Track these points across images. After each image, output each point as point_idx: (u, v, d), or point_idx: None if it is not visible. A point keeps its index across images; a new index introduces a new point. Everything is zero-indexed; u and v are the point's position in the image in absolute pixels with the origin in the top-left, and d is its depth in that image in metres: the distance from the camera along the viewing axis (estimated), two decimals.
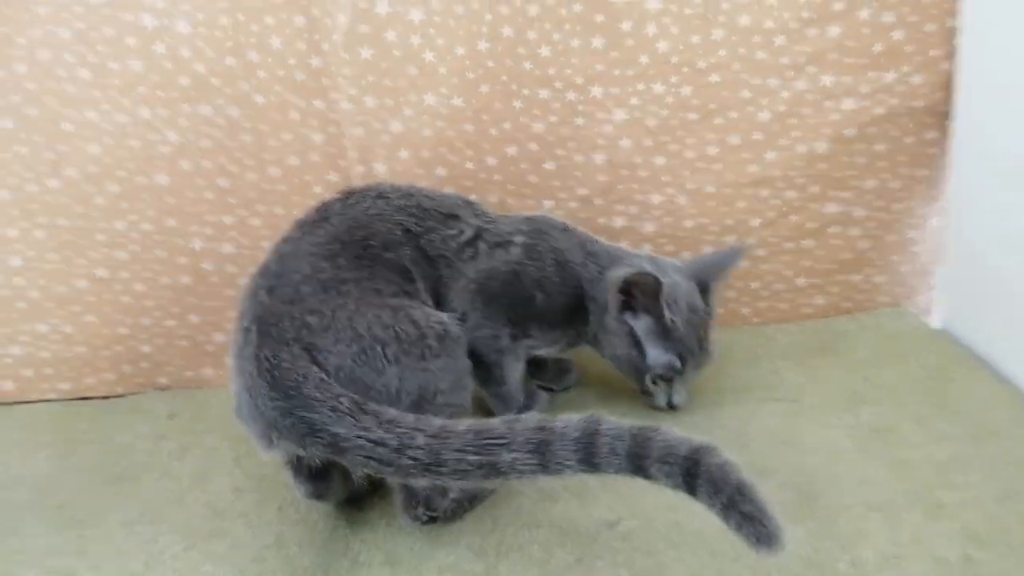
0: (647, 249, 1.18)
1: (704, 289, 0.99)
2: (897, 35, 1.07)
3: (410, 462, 0.69)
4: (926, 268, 1.23)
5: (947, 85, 1.09)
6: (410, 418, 0.72)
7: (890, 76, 1.09)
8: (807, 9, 1.06)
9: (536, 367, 1.11)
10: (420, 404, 0.80)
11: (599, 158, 1.14)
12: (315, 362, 0.77)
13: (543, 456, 0.68)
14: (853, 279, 1.22)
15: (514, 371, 0.99)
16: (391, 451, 0.70)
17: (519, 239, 0.96)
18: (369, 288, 0.83)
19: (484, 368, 0.96)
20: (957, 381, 1.02)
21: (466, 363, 0.87)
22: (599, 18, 1.07)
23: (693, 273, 1.00)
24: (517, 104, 1.10)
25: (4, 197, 1.12)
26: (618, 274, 0.95)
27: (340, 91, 1.09)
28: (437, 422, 0.72)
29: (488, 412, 1.02)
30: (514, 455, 0.68)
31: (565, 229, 1.01)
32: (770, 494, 0.83)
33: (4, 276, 1.16)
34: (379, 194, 0.93)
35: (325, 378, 0.75)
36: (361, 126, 1.11)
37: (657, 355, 0.96)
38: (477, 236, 0.95)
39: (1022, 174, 0.95)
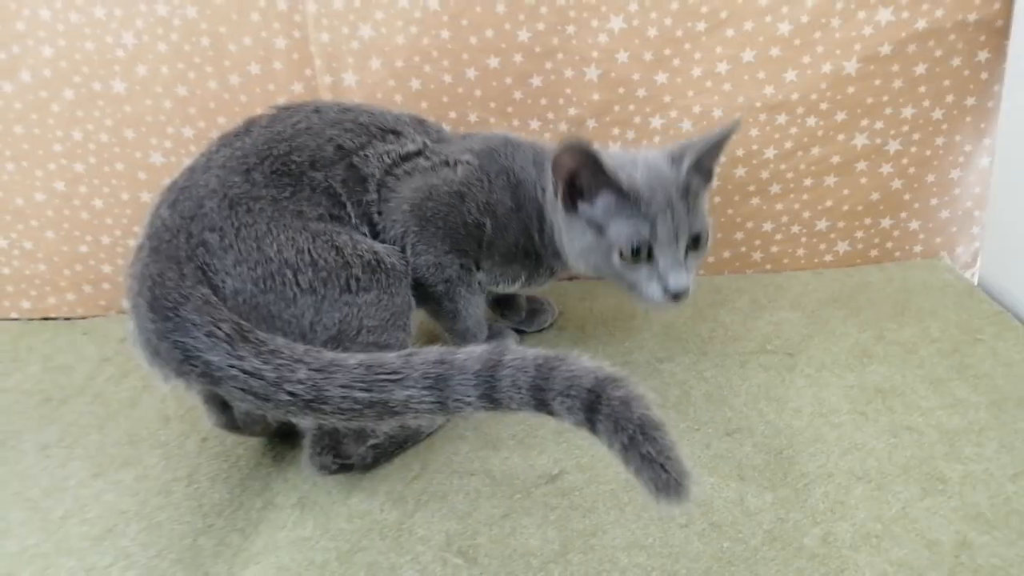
0: None
1: (677, 160, 0.79)
2: None
3: (288, 397, 0.60)
4: (970, 214, 1.08)
5: None
6: (299, 349, 0.63)
7: None
8: None
9: (507, 306, 1.00)
10: (339, 341, 0.71)
11: (592, 73, 1.01)
12: (209, 284, 0.68)
13: (441, 392, 0.58)
14: (883, 224, 1.08)
15: (469, 304, 0.87)
16: (267, 384, 0.60)
17: (467, 158, 0.84)
18: (288, 209, 0.73)
19: (434, 301, 0.86)
20: (986, 342, 0.87)
21: (404, 300, 0.77)
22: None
23: (666, 151, 0.82)
24: (500, 8, 0.98)
25: None
26: (554, 151, 0.77)
27: None
28: (328, 356, 0.62)
29: None
30: (408, 392, 0.58)
31: (525, 146, 0.87)
32: (740, 456, 0.72)
33: None
34: (315, 108, 0.81)
35: (210, 300, 0.66)
36: (328, 31, 1.00)
37: (620, 227, 0.77)
38: (418, 152, 0.83)
39: None
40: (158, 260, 0.68)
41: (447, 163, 0.82)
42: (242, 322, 0.64)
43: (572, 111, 1.04)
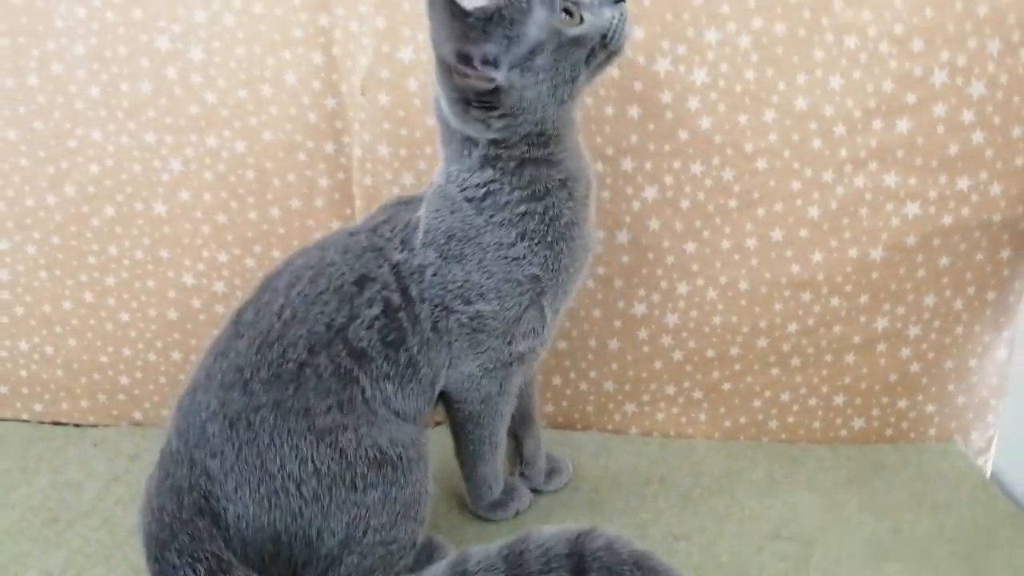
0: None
1: None
2: (977, 137, 0.97)
3: None
4: (986, 402, 1.11)
5: None
6: None
7: (964, 182, 0.99)
8: (875, 98, 0.97)
9: (527, 464, 1.00)
10: (346, 544, 0.73)
11: (623, 236, 1.05)
12: (211, 513, 0.71)
13: None
14: (899, 404, 1.10)
15: (499, 431, 0.89)
16: None
17: (429, 257, 0.81)
18: (292, 410, 0.73)
19: (462, 431, 0.88)
20: (1003, 546, 0.88)
21: (415, 489, 0.77)
22: (637, 86, 0.98)
23: None
24: None
25: (0, 209, 1.09)
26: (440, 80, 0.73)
27: (353, 136, 1.04)
28: None
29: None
30: None
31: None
32: None
33: None
34: (291, 283, 0.80)
35: (199, 535, 0.69)
36: (371, 175, 1.05)
37: (533, 22, 0.72)
38: (396, 310, 0.80)
39: None
40: (162, 492, 0.72)
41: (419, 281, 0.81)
42: (223, 559, 0.68)
43: (601, 270, 1.07)
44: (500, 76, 0.73)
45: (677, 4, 0.95)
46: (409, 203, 0.87)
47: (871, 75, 0.95)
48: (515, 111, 0.75)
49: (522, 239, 0.80)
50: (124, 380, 1.17)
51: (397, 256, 0.81)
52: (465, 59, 0.72)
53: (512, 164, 0.79)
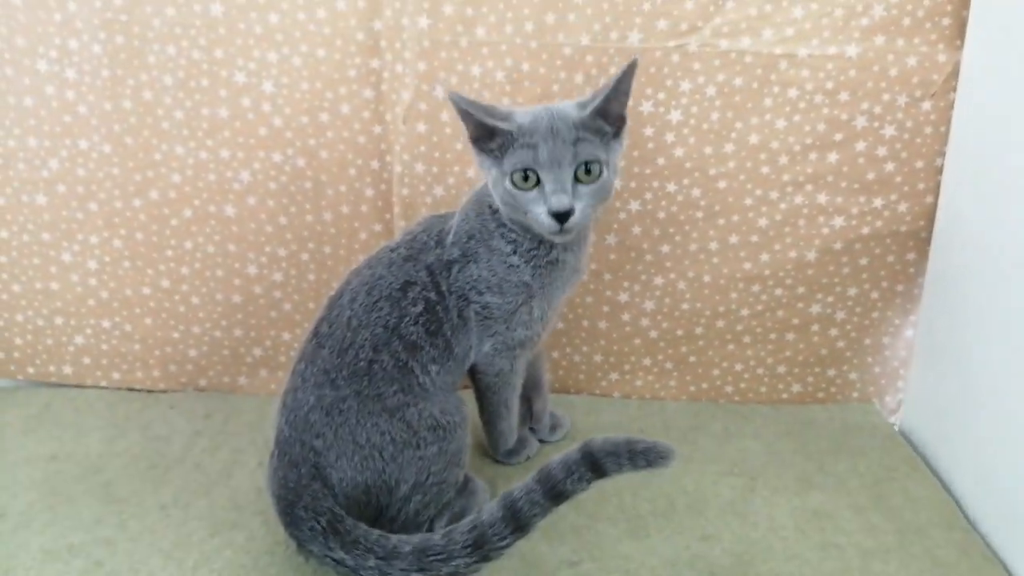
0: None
1: (583, 105, 0.95)
2: (889, 167, 1.21)
3: None
4: (896, 371, 1.35)
5: (929, 215, 1.22)
6: (372, 537, 0.86)
7: (879, 201, 1.23)
8: (811, 136, 1.20)
9: (535, 420, 1.25)
10: (416, 486, 0.96)
11: (611, 239, 1.29)
12: (321, 477, 0.93)
13: (482, 549, 0.83)
14: (828, 373, 1.35)
15: (512, 397, 1.12)
16: (349, 570, 0.86)
17: (455, 254, 1.03)
18: (369, 396, 0.95)
19: (483, 397, 1.11)
20: (899, 480, 1.14)
21: (458, 444, 1.00)
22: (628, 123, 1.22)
23: (577, 100, 0.98)
24: None
25: (92, 209, 1.29)
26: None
27: (394, 156, 1.25)
28: (392, 542, 0.86)
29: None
30: (455, 562, 0.83)
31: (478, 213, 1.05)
32: (712, 557, 0.97)
33: (80, 275, 1.33)
34: (352, 298, 1.00)
35: (318, 495, 0.90)
36: (408, 187, 1.27)
37: (509, 158, 0.94)
38: (433, 305, 1.01)
39: (988, 302, 1.08)
40: (282, 465, 0.94)
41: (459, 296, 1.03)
42: (337, 512, 0.89)
43: (593, 266, 1.30)
44: (481, 155, 0.99)
45: (660, 60, 1.18)
46: (443, 217, 1.09)
47: (808, 118, 1.19)
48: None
49: (514, 254, 1.02)
50: (192, 352, 1.38)
51: (431, 257, 1.02)
52: (477, 140, 0.98)
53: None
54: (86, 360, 1.38)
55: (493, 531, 0.83)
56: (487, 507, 0.85)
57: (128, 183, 1.28)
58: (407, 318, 0.99)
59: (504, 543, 0.83)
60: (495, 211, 1.03)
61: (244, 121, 1.24)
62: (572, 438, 1.27)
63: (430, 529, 0.99)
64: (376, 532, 0.88)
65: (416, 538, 0.86)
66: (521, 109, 0.99)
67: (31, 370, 1.39)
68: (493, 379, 1.10)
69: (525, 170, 0.94)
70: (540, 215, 0.94)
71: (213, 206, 1.29)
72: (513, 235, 1.02)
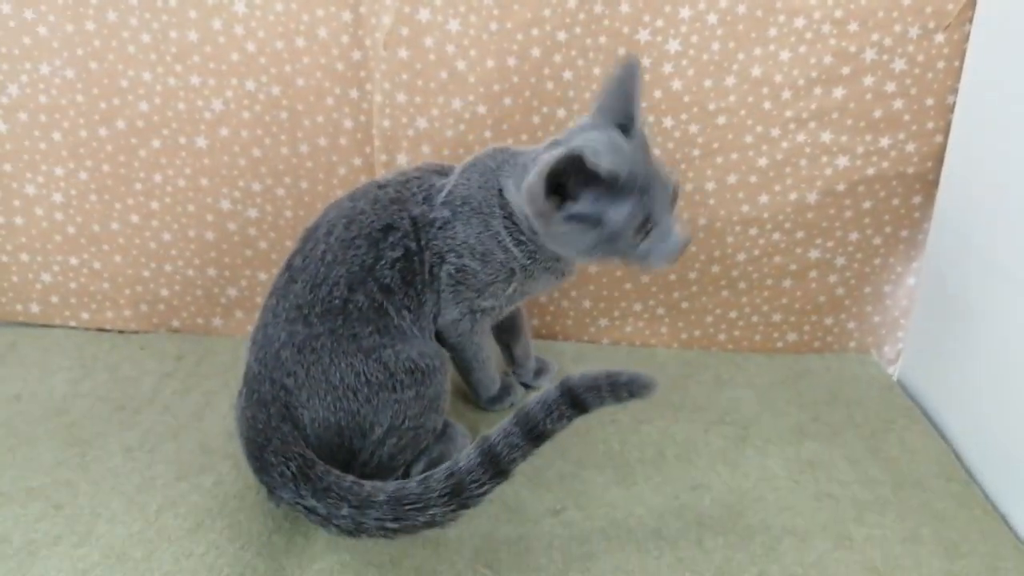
0: None
1: (625, 129, 0.90)
2: (897, 104, 1.15)
3: (336, 528, 0.81)
4: (896, 321, 1.31)
5: (938, 156, 1.17)
6: (344, 484, 0.82)
7: (885, 141, 1.17)
8: (816, 69, 1.14)
9: (519, 364, 1.20)
10: (391, 429, 0.91)
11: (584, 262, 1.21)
12: (291, 418, 0.88)
13: (460, 496, 0.78)
14: (826, 321, 1.31)
15: (479, 353, 1.07)
16: (321, 518, 0.81)
17: (443, 214, 0.96)
18: (343, 335, 0.90)
19: (454, 356, 1.05)
20: (896, 431, 1.10)
21: (436, 389, 0.95)
22: (621, 52, 1.15)
23: (604, 120, 0.91)
24: (535, 119, 1.19)
25: (56, 139, 1.22)
26: (532, 181, 0.86)
27: (375, 84, 1.18)
28: (366, 489, 0.81)
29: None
30: (432, 511, 0.78)
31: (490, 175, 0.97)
32: (701, 507, 0.94)
33: (46, 210, 1.26)
34: (328, 231, 0.95)
35: (288, 438, 0.86)
36: (389, 119, 1.20)
37: (618, 212, 0.86)
38: (412, 254, 0.95)
39: (994, 249, 1.03)
40: (251, 405, 0.89)
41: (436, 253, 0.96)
42: (308, 457, 0.84)
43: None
44: (568, 213, 0.88)
45: None
46: (440, 171, 1.02)
47: (814, 50, 1.12)
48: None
49: (517, 246, 0.96)
50: (164, 292, 1.32)
51: (417, 209, 0.96)
52: (558, 182, 0.85)
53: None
54: (54, 299, 1.33)
55: (471, 477, 0.78)
56: (464, 452, 0.80)
57: (93, 111, 1.21)
58: (383, 261, 0.93)
59: (483, 489, 0.79)
60: (503, 190, 0.95)
61: (215, 45, 1.17)
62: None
63: (406, 475, 0.95)
64: (349, 478, 0.83)
65: (391, 486, 0.81)
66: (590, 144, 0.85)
67: None
68: (456, 339, 1.04)
69: (645, 219, 0.88)
70: (665, 254, 0.91)
71: (183, 137, 1.22)
72: (522, 238, 0.96)
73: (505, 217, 0.96)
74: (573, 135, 0.91)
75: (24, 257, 1.30)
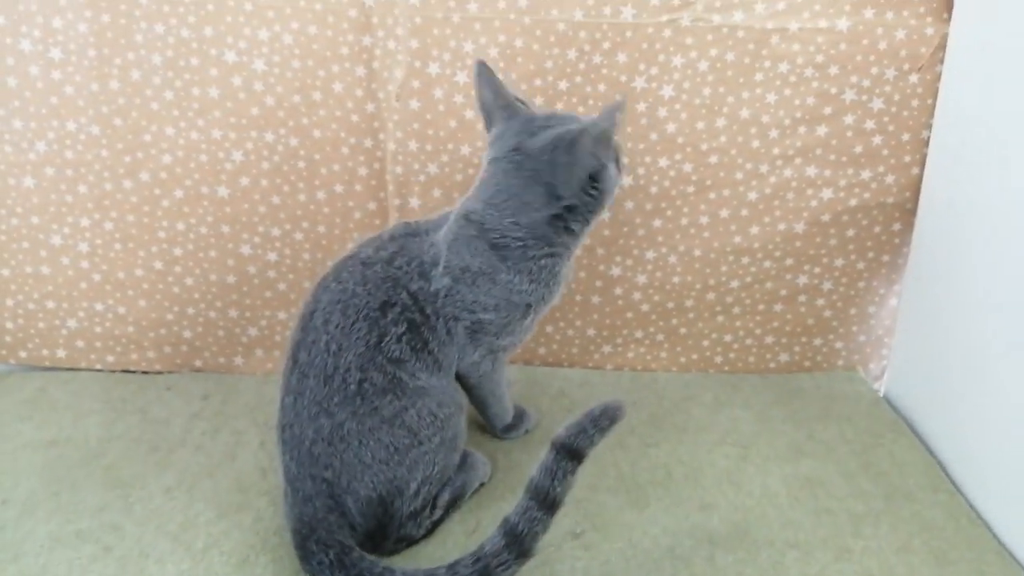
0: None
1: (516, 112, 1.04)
2: (876, 140, 1.23)
3: None
4: (880, 339, 1.39)
5: (915, 186, 1.25)
6: (377, 569, 0.87)
7: (866, 174, 1.25)
8: (800, 110, 1.22)
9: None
10: (423, 481, 0.97)
11: (605, 214, 1.29)
12: (337, 507, 0.93)
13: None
14: (815, 342, 1.38)
15: (498, 388, 1.13)
16: None
17: (444, 283, 1.00)
18: (365, 414, 0.93)
19: (471, 393, 1.11)
20: (885, 445, 1.17)
21: (455, 430, 1.00)
22: (618, 98, 1.22)
23: (507, 119, 1.04)
24: None
25: (82, 191, 1.28)
26: (598, 132, 0.98)
27: (388, 134, 1.25)
28: (396, 575, 0.87)
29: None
30: None
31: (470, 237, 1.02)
32: (710, 526, 1.01)
33: (72, 259, 1.32)
34: (325, 319, 0.96)
35: (331, 526, 0.91)
36: (402, 165, 1.27)
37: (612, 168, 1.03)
38: (417, 325, 0.98)
39: (971, 271, 1.11)
40: (297, 502, 0.93)
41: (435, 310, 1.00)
42: (346, 544, 0.89)
43: (586, 240, 1.31)
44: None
45: (651, 37, 1.18)
46: (415, 234, 1.04)
47: (798, 92, 1.20)
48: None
49: (531, 283, 1.02)
50: (187, 334, 1.38)
51: (415, 285, 0.99)
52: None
53: (565, 232, 1.03)
54: (80, 343, 1.38)
55: (497, 560, 0.84)
56: (489, 537, 0.85)
57: (118, 164, 1.26)
58: (388, 337, 0.96)
59: (509, 571, 0.84)
60: (496, 245, 1.01)
61: (235, 100, 1.23)
62: (569, 410, 1.27)
63: (433, 508, 1.01)
64: (381, 565, 0.88)
65: (421, 572, 0.87)
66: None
67: (23, 354, 1.38)
68: (477, 379, 1.10)
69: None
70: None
71: (205, 187, 1.28)
72: (525, 263, 1.02)
73: (504, 260, 1.01)
74: (504, 143, 1.02)
75: (51, 304, 1.35)
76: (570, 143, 0.97)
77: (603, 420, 0.86)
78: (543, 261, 1.03)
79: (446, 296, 1.01)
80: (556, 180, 0.99)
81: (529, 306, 1.05)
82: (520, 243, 1.01)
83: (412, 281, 1.00)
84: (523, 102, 1.06)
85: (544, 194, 1.00)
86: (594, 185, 1.01)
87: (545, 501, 0.84)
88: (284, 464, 0.96)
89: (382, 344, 0.95)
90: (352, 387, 0.94)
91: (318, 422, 0.93)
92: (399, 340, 0.96)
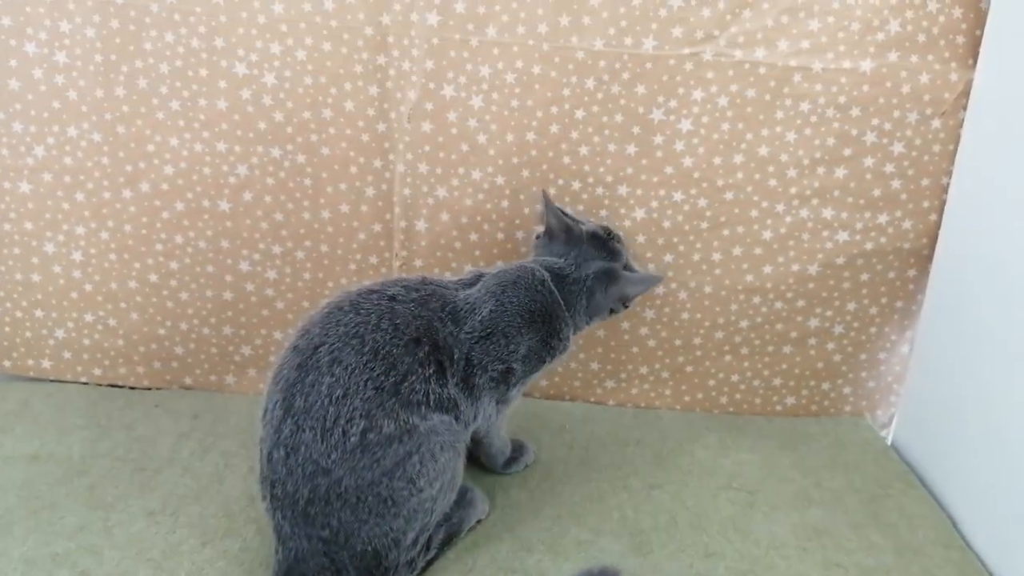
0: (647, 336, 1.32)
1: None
2: (895, 184, 1.21)
3: None
4: (890, 386, 1.36)
5: (933, 233, 1.23)
6: None
7: (883, 218, 1.23)
8: (820, 150, 1.20)
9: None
10: (422, 528, 0.93)
11: None
12: (333, 565, 0.88)
13: None
14: (823, 387, 1.35)
15: (500, 431, 1.11)
16: None
17: (478, 329, 1.00)
18: (366, 467, 0.87)
19: (477, 440, 1.08)
20: (894, 496, 1.14)
21: (454, 471, 0.96)
22: (636, 130, 1.20)
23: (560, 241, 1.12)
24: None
25: (79, 199, 1.24)
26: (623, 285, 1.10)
27: (397, 155, 1.22)
28: None
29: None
30: None
31: (533, 273, 1.06)
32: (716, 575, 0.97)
33: (64, 268, 1.28)
34: (333, 358, 0.89)
35: None
36: (410, 187, 1.24)
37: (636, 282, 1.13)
38: (444, 370, 0.95)
39: (985, 321, 1.09)
40: (287, 559, 0.89)
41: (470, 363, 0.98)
42: None
43: None
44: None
45: (672, 69, 1.17)
46: (443, 286, 1.02)
47: (818, 132, 1.18)
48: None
49: (559, 342, 1.07)
50: (179, 350, 1.34)
51: (447, 329, 0.96)
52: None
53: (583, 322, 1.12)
54: (66, 354, 1.33)
55: None
56: None
57: (118, 173, 1.23)
58: (413, 377, 0.91)
59: None
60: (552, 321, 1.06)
61: (243, 114, 1.20)
62: (570, 446, 1.25)
63: (428, 549, 0.96)
64: None
65: None
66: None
67: (7, 363, 1.34)
68: (487, 428, 1.07)
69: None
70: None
71: (207, 200, 1.25)
72: (565, 333, 1.08)
73: (555, 335, 1.06)
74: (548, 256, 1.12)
75: (39, 313, 1.31)
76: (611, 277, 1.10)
77: None
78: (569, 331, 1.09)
79: (476, 344, 0.98)
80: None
81: (546, 363, 1.07)
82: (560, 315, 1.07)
83: (445, 325, 0.97)
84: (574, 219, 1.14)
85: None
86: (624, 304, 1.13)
87: None
88: (276, 523, 0.90)
89: (401, 387, 0.90)
90: (353, 439, 0.87)
91: (314, 482, 0.87)
92: (426, 381, 0.92)
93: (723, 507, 1.11)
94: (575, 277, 1.09)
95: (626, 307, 1.14)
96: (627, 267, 1.14)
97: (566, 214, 1.14)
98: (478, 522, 1.05)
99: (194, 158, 1.22)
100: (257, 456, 0.94)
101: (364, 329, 0.91)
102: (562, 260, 1.10)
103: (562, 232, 1.12)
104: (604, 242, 1.12)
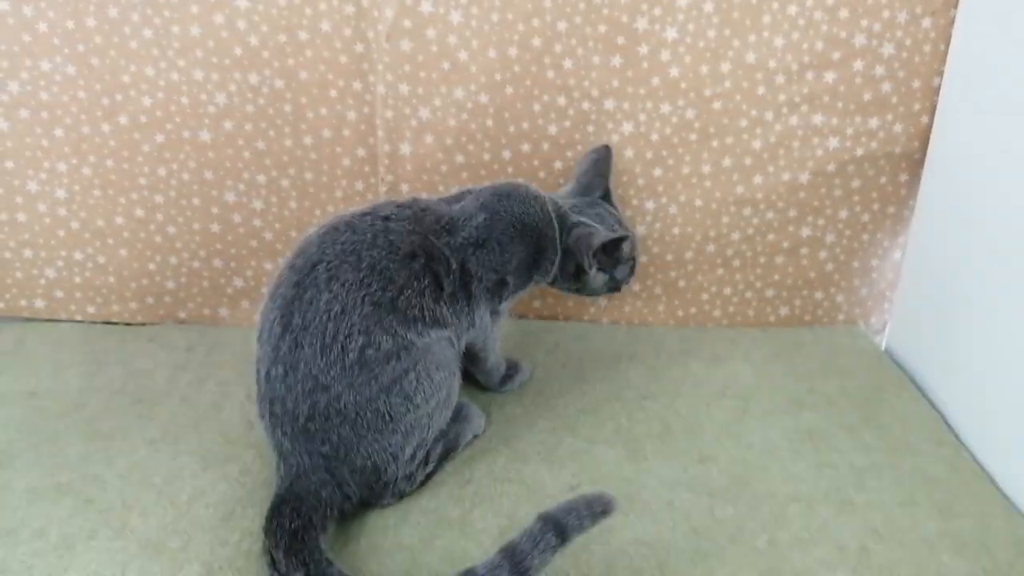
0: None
1: (605, 198, 1.17)
2: (885, 87, 1.19)
3: None
4: (883, 293, 1.36)
5: (924, 136, 1.21)
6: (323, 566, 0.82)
7: (874, 122, 1.21)
8: (808, 55, 1.18)
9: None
10: (419, 444, 0.95)
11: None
12: (335, 480, 0.90)
13: None
14: (816, 296, 1.36)
15: (495, 345, 1.11)
16: None
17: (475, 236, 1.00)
18: (364, 383, 0.88)
19: (470, 352, 1.08)
20: (887, 399, 1.15)
21: (450, 389, 0.97)
22: (620, 40, 1.18)
23: (589, 193, 1.16)
24: (536, 107, 1.22)
25: (58, 135, 1.22)
26: (595, 244, 1.06)
27: (378, 76, 1.20)
28: None
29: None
30: None
31: (533, 194, 1.07)
32: (710, 479, 0.99)
33: (49, 206, 1.27)
34: (330, 275, 0.90)
35: (307, 507, 0.87)
36: (392, 110, 1.22)
37: (621, 272, 1.13)
38: (440, 280, 0.96)
39: (977, 223, 1.08)
40: (289, 476, 0.90)
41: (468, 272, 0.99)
42: (314, 526, 0.85)
43: None
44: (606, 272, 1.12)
45: None
46: (438, 204, 1.03)
47: (806, 36, 1.16)
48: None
49: (553, 265, 1.09)
50: (170, 284, 1.34)
51: (443, 240, 0.97)
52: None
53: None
54: (59, 293, 1.33)
55: None
56: (486, 562, 0.79)
57: (95, 107, 1.21)
58: (409, 291, 0.92)
59: None
60: (543, 244, 1.07)
61: (217, 40, 1.17)
62: (564, 364, 1.26)
63: (427, 463, 0.98)
64: (335, 567, 0.83)
65: None
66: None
67: (1, 304, 1.34)
68: (482, 341, 1.08)
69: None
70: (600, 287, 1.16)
71: (187, 131, 1.23)
72: (551, 256, 1.09)
73: (541, 244, 1.06)
74: (605, 220, 1.13)
75: (28, 253, 1.30)
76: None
77: (596, 505, 0.82)
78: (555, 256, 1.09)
79: (473, 254, 0.99)
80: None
81: (537, 282, 1.10)
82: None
83: (440, 237, 0.97)
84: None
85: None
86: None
87: (518, 567, 0.79)
88: (275, 440, 0.91)
89: (398, 300, 0.91)
90: (352, 355, 0.88)
91: (314, 398, 0.88)
92: (421, 295, 0.93)
93: (716, 414, 1.12)
94: (572, 221, 1.10)
95: (585, 274, 1.11)
96: (617, 261, 1.12)
97: (610, 189, 1.18)
98: (475, 437, 1.06)
99: (171, 88, 1.20)
100: (254, 380, 0.95)
101: (360, 246, 0.92)
102: (571, 199, 1.13)
103: (597, 189, 1.16)
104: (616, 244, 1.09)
